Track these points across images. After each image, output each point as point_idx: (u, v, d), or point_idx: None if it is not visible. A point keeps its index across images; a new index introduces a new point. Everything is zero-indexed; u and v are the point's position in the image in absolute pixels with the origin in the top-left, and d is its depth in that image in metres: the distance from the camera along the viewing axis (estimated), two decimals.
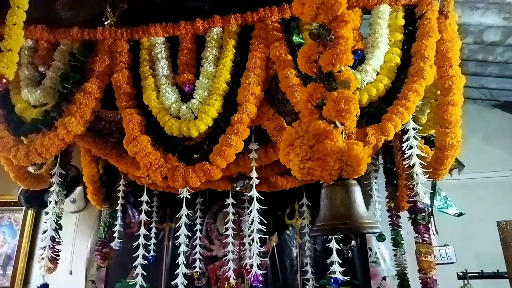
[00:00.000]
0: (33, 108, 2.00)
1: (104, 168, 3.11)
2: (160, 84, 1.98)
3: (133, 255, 2.81)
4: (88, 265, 3.47)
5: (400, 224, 2.70)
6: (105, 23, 2.05)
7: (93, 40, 2.07)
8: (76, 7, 2.10)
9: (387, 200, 2.76)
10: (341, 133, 0.91)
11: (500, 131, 3.64)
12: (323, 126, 0.89)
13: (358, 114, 1.04)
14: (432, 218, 2.59)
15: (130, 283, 3.30)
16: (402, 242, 2.67)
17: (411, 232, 2.29)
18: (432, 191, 2.36)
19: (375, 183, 2.88)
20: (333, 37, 0.98)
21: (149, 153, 1.85)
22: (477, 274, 2.64)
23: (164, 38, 2.08)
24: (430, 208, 2.19)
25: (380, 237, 2.78)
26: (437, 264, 2.25)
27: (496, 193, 3.42)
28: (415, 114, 2.04)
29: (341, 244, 2.27)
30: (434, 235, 2.65)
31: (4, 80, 1.56)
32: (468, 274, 2.63)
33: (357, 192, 0.92)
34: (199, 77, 1.97)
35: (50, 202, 2.40)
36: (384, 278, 3.17)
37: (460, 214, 2.77)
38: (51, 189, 2.39)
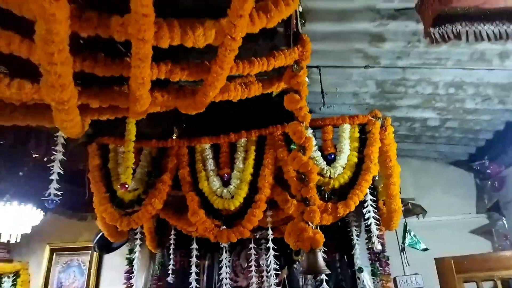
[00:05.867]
0: (129, 192, 3.17)
1: (156, 222, 4.26)
2: (209, 175, 3.14)
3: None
4: None
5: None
6: (173, 136, 3.25)
7: (165, 147, 3.25)
8: (152, 126, 3.30)
9: (366, 241, 3.81)
10: (312, 228, 2.03)
11: (455, 183, 4.73)
12: (303, 226, 2.02)
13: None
14: (404, 253, 3.67)
15: None
16: (379, 272, 3.71)
17: None
18: (404, 231, 3.47)
19: (355, 230, 3.93)
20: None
21: (205, 221, 2.98)
22: None
23: (210, 145, 3.26)
24: (383, 252, 3.25)
25: (359, 270, 3.82)
26: None
27: (454, 232, 4.47)
28: (374, 186, 3.17)
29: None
30: (406, 266, 3.73)
31: (127, 186, 2.73)
32: None
33: (319, 254, 2.02)
34: (233, 170, 3.13)
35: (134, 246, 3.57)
36: None
37: (426, 249, 3.78)
38: (136, 236, 3.55)
